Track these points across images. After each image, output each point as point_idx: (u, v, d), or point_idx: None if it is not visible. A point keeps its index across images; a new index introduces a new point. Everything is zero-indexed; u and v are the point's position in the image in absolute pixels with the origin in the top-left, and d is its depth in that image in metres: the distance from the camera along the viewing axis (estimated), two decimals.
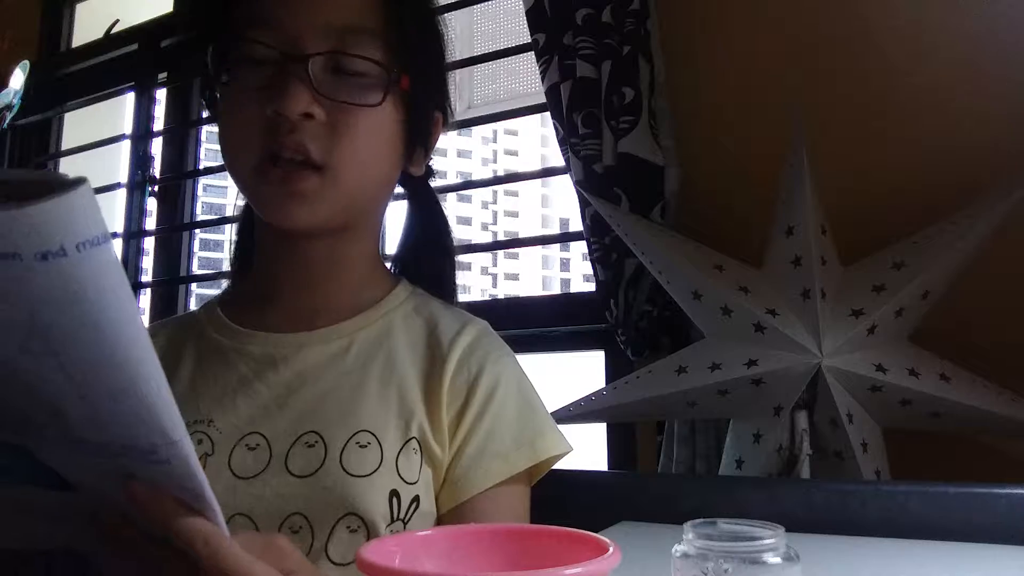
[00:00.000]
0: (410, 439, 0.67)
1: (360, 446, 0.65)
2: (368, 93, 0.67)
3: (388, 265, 0.85)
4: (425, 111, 0.75)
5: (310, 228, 0.69)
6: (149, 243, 2.30)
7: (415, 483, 0.66)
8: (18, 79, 2.25)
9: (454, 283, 0.86)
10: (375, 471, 0.64)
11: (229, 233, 0.86)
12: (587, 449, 1.50)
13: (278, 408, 0.68)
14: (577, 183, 1.41)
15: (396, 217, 0.92)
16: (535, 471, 0.72)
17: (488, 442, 0.69)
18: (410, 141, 0.74)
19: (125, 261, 2.28)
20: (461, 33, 1.90)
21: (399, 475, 0.65)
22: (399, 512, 0.64)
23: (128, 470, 0.36)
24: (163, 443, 0.34)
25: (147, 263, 2.30)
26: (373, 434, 0.66)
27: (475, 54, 1.84)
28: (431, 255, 0.86)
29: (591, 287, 1.48)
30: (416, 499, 0.65)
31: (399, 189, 0.86)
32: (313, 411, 0.67)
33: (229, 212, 0.89)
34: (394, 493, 0.64)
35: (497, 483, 0.68)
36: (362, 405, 0.68)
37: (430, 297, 0.80)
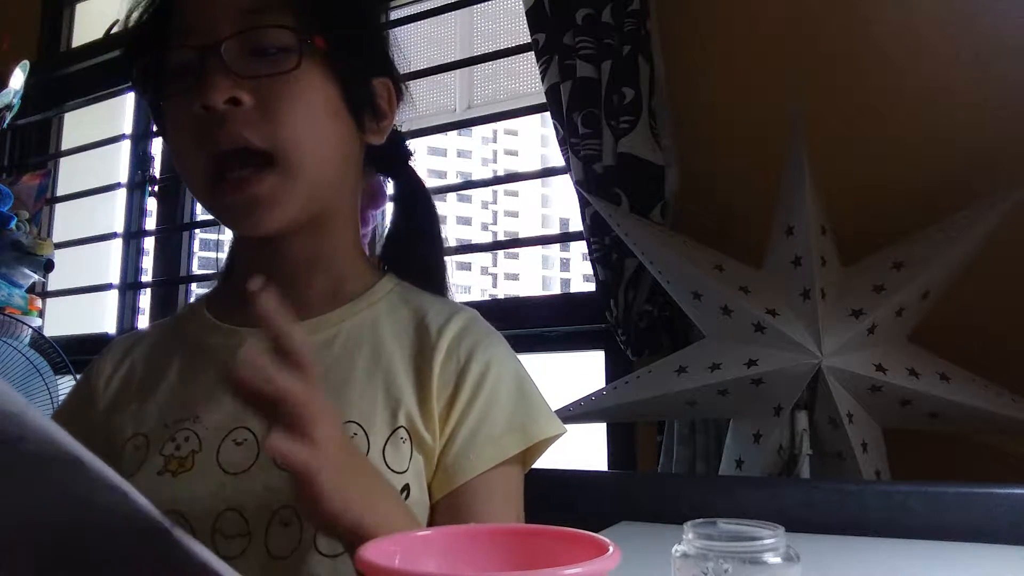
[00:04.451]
0: (397, 428, 0.67)
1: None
2: (286, 62, 0.67)
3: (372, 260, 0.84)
4: (358, 72, 0.73)
5: (279, 230, 0.69)
6: (149, 243, 2.30)
7: (404, 472, 0.65)
8: (18, 79, 2.24)
9: (444, 276, 0.84)
10: None
11: (228, 233, 0.85)
12: (587, 449, 1.50)
13: None
14: (577, 183, 1.41)
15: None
16: (529, 454, 0.72)
17: (480, 427, 0.68)
18: (353, 109, 0.72)
19: (125, 261, 2.29)
20: (461, 33, 1.90)
21: (387, 465, 0.65)
22: None
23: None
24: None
25: (147, 263, 2.30)
26: (360, 425, 0.66)
27: (475, 54, 1.84)
28: (416, 244, 0.83)
29: (591, 287, 1.48)
30: (406, 488, 0.65)
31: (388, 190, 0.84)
32: None
33: None
34: None
35: (489, 468, 0.68)
36: (348, 396, 0.68)
37: (417, 289, 0.79)
